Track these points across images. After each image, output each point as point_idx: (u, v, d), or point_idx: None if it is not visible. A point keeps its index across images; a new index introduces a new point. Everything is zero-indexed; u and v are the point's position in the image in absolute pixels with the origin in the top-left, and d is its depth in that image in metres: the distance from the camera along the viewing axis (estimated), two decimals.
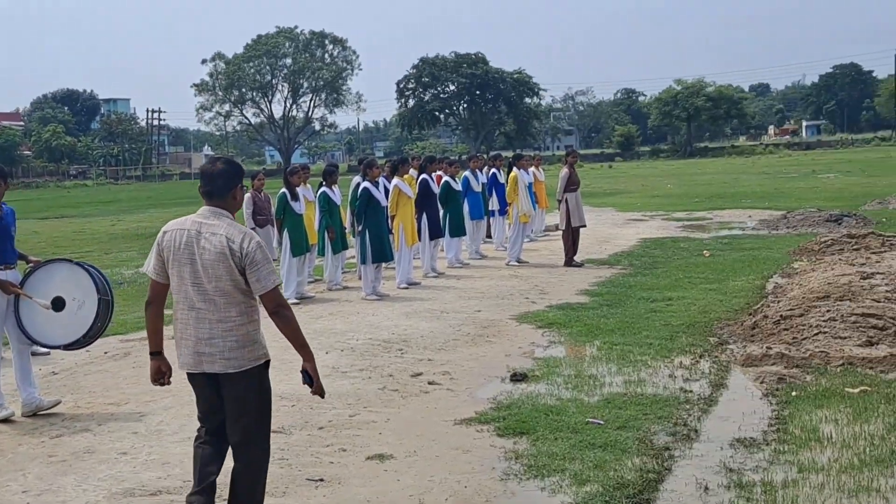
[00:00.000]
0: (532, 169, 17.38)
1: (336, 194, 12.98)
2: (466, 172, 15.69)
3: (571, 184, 14.05)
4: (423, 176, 13.79)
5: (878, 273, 9.96)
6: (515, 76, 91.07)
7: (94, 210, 38.28)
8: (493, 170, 16.74)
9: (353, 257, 14.90)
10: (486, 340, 9.09)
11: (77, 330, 7.05)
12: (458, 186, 14.79)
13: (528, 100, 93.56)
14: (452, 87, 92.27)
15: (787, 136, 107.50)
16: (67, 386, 7.86)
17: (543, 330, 9.43)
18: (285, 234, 12.10)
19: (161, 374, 4.61)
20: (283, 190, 12.19)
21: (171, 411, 6.92)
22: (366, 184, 11.86)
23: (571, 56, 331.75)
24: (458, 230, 14.63)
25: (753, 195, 27.81)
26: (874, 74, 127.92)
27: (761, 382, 7.03)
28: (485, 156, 16.97)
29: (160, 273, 4.46)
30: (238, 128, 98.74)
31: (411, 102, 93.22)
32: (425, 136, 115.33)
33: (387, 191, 12.54)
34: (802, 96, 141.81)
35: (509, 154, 18.52)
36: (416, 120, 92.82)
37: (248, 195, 12.67)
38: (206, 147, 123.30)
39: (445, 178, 14.64)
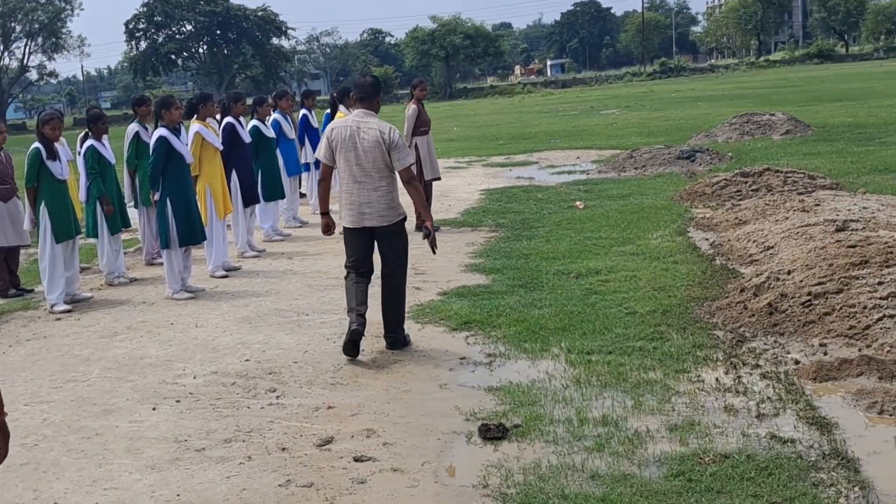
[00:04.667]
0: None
1: (108, 149, 9.31)
2: (276, 115, 12.23)
3: (422, 124, 11.04)
4: (229, 119, 10.28)
5: (850, 220, 7.94)
6: (260, 14, 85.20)
7: None
8: (304, 111, 13.42)
9: (133, 235, 11.22)
10: (393, 360, 6.08)
11: None
12: (270, 133, 11.32)
13: (275, 40, 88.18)
14: (189, 27, 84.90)
15: (534, 76, 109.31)
16: None
17: (463, 334, 6.55)
18: (42, 209, 8.31)
19: (329, 228, 6.44)
20: (36, 145, 8.32)
21: None
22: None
23: None
24: (275, 191, 11.24)
25: (556, 134, 26.07)
26: (612, 11, 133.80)
27: (879, 413, 4.62)
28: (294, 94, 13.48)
29: (329, 158, 6.23)
30: None
31: (143, 45, 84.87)
32: (157, 84, 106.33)
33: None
34: (545, 35, 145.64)
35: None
36: (150, 64, 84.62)
37: None
38: None
39: (254, 122, 11.10)
